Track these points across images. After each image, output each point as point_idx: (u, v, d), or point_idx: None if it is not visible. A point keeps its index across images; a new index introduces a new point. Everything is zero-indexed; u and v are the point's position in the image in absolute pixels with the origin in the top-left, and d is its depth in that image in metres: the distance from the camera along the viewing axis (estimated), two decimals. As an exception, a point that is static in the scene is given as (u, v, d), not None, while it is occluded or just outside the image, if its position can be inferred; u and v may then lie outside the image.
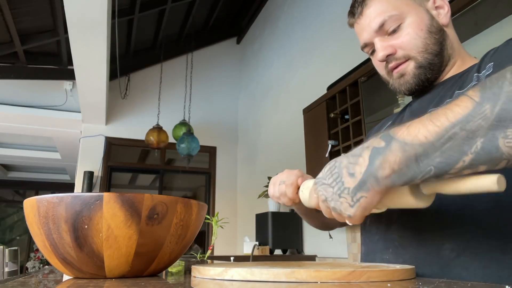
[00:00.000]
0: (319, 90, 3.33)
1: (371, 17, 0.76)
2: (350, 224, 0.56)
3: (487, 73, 0.65)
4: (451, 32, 0.78)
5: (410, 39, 0.74)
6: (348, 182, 0.52)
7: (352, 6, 0.81)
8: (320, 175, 0.58)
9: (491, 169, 0.46)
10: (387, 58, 0.76)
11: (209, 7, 5.15)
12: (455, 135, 0.45)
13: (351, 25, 0.84)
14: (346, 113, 2.81)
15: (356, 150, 0.54)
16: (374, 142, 0.52)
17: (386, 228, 0.73)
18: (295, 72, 4.07)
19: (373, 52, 0.80)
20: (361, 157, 0.52)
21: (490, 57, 0.67)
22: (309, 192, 0.63)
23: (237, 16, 5.71)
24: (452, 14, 1.89)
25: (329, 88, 3.13)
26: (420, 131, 0.48)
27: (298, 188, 0.72)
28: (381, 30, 0.76)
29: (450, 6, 0.79)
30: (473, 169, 0.46)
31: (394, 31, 0.75)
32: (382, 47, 0.76)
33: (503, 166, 0.45)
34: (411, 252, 0.67)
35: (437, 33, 0.75)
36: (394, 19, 0.74)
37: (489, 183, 0.46)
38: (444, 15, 0.77)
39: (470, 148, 0.44)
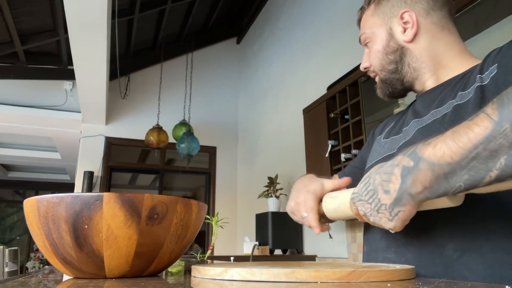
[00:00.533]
0: (319, 90, 3.33)
1: (361, 29, 0.88)
2: (392, 232, 0.60)
3: (491, 75, 0.65)
4: (417, 47, 0.80)
5: (374, 58, 0.84)
6: (384, 199, 0.57)
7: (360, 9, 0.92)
8: (356, 190, 0.62)
9: None
10: (365, 69, 0.87)
11: (209, 7, 5.15)
12: (478, 155, 0.48)
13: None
14: (346, 113, 2.81)
15: (387, 168, 0.58)
16: (403, 160, 0.56)
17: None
18: (295, 72, 4.07)
19: None
20: (393, 175, 0.56)
21: (493, 58, 0.67)
22: (349, 206, 0.66)
23: (237, 16, 5.71)
24: (452, 14, 1.89)
25: (329, 88, 3.13)
26: (445, 152, 0.51)
27: (320, 200, 0.76)
28: (363, 43, 0.87)
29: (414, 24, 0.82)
30: (501, 181, 0.49)
31: (367, 46, 0.86)
32: (364, 59, 0.87)
33: None
34: (414, 252, 0.68)
35: (393, 53, 0.81)
36: (365, 36, 0.85)
37: (446, 201, 0.53)
38: (408, 31, 0.80)
39: (495, 165, 0.47)
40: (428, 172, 0.52)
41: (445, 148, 0.51)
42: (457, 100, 0.70)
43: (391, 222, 0.57)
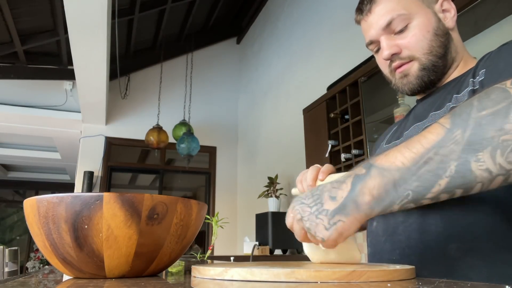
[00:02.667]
0: (319, 90, 3.33)
1: (379, 15, 0.76)
2: (322, 248, 0.55)
3: (480, 79, 0.66)
4: (456, 36, 0.79)
5: (417, 40, 0.74)
6: (328, 204, 0.53)
7: (361, 3, 0.81)
8: (301, 195, 0.58)
9: (467, 193, 0.48)
10: (392, 57, 0.77)
11: (209, 7, 5.15)
12: (429, 160, 0.47)
13: (358, 22, 0.84)
14: (346, 113, 2.81)
15: (341, 177, 0.55)
16: (356, 170, 0.54)
17: (393, 230, 0.74)
18: (295, 72, 4.07)
19: (378, 50, 0.81)
20: (345, 183, 0.54)
21: (484, 62, 0.68)
22: (287, 212, 0.62)
23: (237, 16, 5.71)
24: (452, 14, 1.89)
25: (329, 88, 3.13)
26: (397, 157, 0.50)
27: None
28: (388, 28, 0.76)
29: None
30: (450, 194, 0.48)
31: (401, 31, 0.75)
32: (388, 45, 0.76)
33: (478, 190, 0.47)
34: (418, 253, 0.68)
35: (443, 36, 0.76)
36: (402, 18, 0.75)
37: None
38: (450, 18, 0.78)
39: (445, 171, 0.47)
40: (378, 179, 0.51)
41: (397, 154, 0.50)
42: (453, 103, 0.70)
43: (326, 232, 0.52)
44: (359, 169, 0.53)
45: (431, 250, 0.66)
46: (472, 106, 0.47)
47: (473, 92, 0.66)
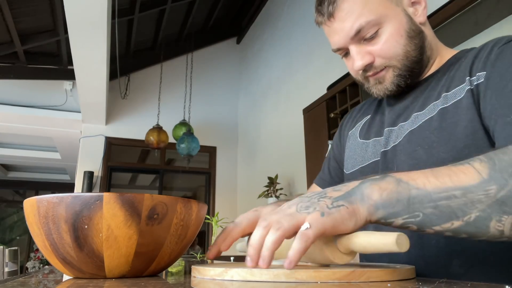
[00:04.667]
0: (319, 90, 3.33)
1: (345, 22, 0.69)
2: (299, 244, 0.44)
3: (478, 82, 0.63)
4: (428, 31, 0.74)
5: (390, 47, 0.69)
6: (331, 193, 0.49)
7: (320, 4, 0.73)
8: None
9: (468, 238, 0.48)
10: (365, 67, 0.71)
11: (209, 7, 5.15)
12: (453, 197, 0.46)
13: (319, 24, 0.75)
14: (346, 113, 2.81)
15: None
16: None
17: None
18: (295, 72, 4.07)
19: (346, 54, 0.75)
20: (352, 182, 0.51)
21: (483, 62, 0.64)
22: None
23: (237, 16, 5.71)
24: (452, 14, 1.90)
25: (329, 88, 3.13)
26: (420, 178, 0.48)
27: None
28: (357, 36, 0.69)
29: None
30: (454, 234, 0.47)
31: (371, 37, 0.69)
32: (359, 55, 0.70)
33: (479, 239, 0.47)
34: (419, 270, 0.65)
35: (417, 37, 0.70)
36: (372, 24, 0.68)
37: (390, 243, 0.45)
38: (421, 12, 0.72)
39: (464, 215, 0.45)
40: (392, 185, 0.48)
41: (420, 176, 0.48)
42: (442, 103, 0.66)
43: (321, 218, 0.45)
44: (369, 176, 0.50)
45: (433, 267, 0.64)
46: None
47: (471, 92, 0.63)
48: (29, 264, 7.54)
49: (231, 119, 5.61)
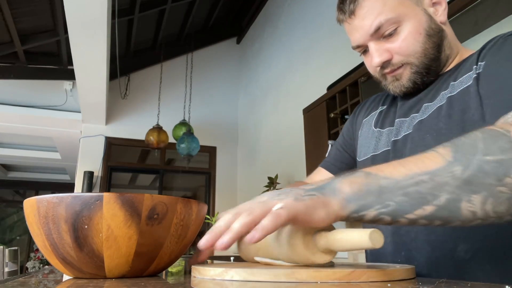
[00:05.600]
0: (319, 90, 3.33)
1: (365, 19, 0.71)
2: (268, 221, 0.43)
3: (479, 70, 0.64)
4: (449, 30, 0.75)
5: (408, 45, 0.70)
6: (303, 187, 0.49)
7: (342, 2, 0.75)
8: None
9: (441, 226, 0.48)
10: (383, 64, 0.73)
11: (209, 7, 5.15)
12: (421, 182, 0.46)
13: (340, 22, 0.78)
14: (346, 113, 2.81)
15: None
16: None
17: (395, 230, 0.72)
18: (295, 72, 4.07)
19: (365, 51, 0.77)
20: (322, 181, 0.51)
21: (486, 51, 0.66)
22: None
23: (237, 16, 5.71)
24: (452, 14, 1.90)
25: (329, 88, 3.13)
26: (388, 169, 0.49)
27: None
28: (377, 33, 0.71)
29: (450, 6, 0.78)
30: (428, 222, 0.47)
31: (390, 35, 0.71)
32: (378, 52, 0.72)
33: (455, 225, 0.47)
34: (425, 255, 0.66)
35: (436, 35, 0.71)
36: (391, 22, 0.69)
37: (364, 239, 0.44)
38: (441, 12, 0.73)
39: (434, 199, 0.46)
40: (362, 178, 0.48)
41: (387, 166, 0.49)
42: (450, 91, 0.68)
43: (294, 201, 0.45)
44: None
45: (439, 252, 0.65)
46: (477, 147, 0.46)
47: (476, 79, 0.64)
48: (29, 264, 7.53)
49: (231, 119, 5.61)
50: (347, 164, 0.94)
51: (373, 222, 0.49)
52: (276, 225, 0.43)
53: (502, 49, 0.63)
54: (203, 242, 0.45)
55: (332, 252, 0.51)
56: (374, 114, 0.88)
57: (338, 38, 3.30)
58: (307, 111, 3.30)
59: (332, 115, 2.90)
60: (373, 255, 0.80)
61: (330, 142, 2.86)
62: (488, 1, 1.82)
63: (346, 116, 2.82)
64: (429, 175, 0.46)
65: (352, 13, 0.73)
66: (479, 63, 0.65)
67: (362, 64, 2.72)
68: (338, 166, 0.96)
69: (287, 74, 4.25)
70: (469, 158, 0.46)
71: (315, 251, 0.51)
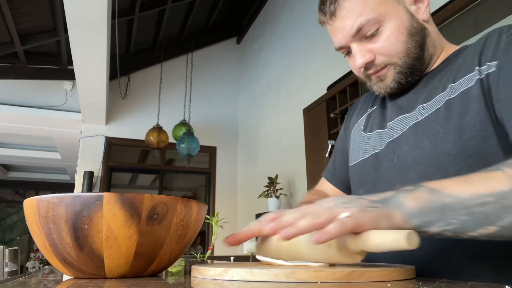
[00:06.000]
0: (319, 90, 3.33)
1: (346, 20, 0.70)
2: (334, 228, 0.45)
3: (489, 71, 0.62)
4: (432, 28, 0.74)
5: (390, 45, 0.69)
6: (368, 197, 0.51)
7: (322, 3, 0.74)
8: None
9: (504, 240, 0.50)
10: (366, 65, 0.72)
11: (209, 7, 5.15)
12: (487, 204, 0.47)
13: (322, 23, 0.77)
14: (346, 113, 2.81)
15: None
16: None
17: None
18: (295, 72, 4.07)
19: (348, 53, 0.76)
20: (386, 194, 0.52)
21: (493, 51, 0.63)
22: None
23: (237, 16, 5.71)
24: (452, 14, 1.90)
25: (329, 88, 3.13)
26: (453, 186, 0.49)
27: None
28: (358, 34, 0.70)
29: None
30: (491, 238, 0.49)
31: (372, 35, 0.70)
32: (360, 53, 0.71)
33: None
34: (421, 262, 0.66)
35: (418, 34, 0.71)
36: (372, 22, 0.69)
37: (400, 240, 0.44)
38: (424, 9, 0.72)
39: (498, 220, 0.46)
40: (426, 195, 0.49)
41: (452, 184, 0.49)
42: (448, 94, 0.66)
43: (361, 212, 0.47)
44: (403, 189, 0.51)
45: (435, 259, 0.65)
46: None
47: (481, 81, 0.62)
48: (29, 264, 7.53)
49: (231, 119, 5.61)
50: (345, 172, 0.93)
51: (435, 236, 0.50)
52: (342, 232, 0.45)
53: (511, 48, 0.61)
54: (268, 228, 0.48)
55: (363, 252, 0.51)
56: (363, 118, 0.87)
57: (338, 38, 3.30)
58: (307, 111, 3.30)
59: (332, 115, 2.90)
60: (369, 261, 0.80)
61: (330, 142, 2.86)
62: (488, 1, 1.82)
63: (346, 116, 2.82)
64: (496, 197, 0.47)
65: (332, 14, 0.72)
66: (487, 63, 0.63)
67: (362, 64, 2.72)
68: (337, 176, 0.96)
69: (287, 74, 4.25)
70: None
71: (344, 251, 0.51)
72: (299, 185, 3.69)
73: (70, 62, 4.31)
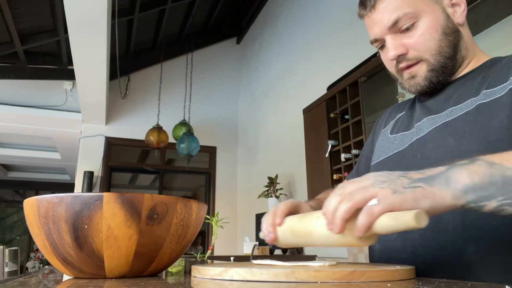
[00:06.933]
0: (319, 90, 3.33)
1: (384, 13, 0.72)
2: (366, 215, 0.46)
3: None
4: (466, 32, 0.75)
5: (424, 40, 0.71)
6: (413, 174, 0.49)
7: None
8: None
9: None
10: (398, 58, 0.74)
11: (209, 7, 5.15)
12: None
13: (361, 17, 0.79)
14: (346, 113, 2.81)
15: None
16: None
17: None
18: (295, 72, 4.07)
19: (382, 47, 0.78)
20: (436, 168, 0.50)
21: None
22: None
23: (237, 16, 5.71)
24: (452, 14, 1.89)
25: (329, 88, 3.13)
26: (508, 158, 0.48)
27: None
28: (394, 27, 0.72)
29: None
30: None
31: (407, 29, 0.72)
32: (393, 46, 0.73)
33: None
34: (432, 254, 0.65)
35: (452, 35, 0.72)
36: (409, 17, 0.71)
37: (408, 219, 0.44)
38: (460, 13, 0.74)
39: None
40: (484, 168, 0.47)
41: (507, 156, 0.48)
42: (481, 99, 0.67)
43: (392, 195, 0.46)
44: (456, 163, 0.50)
45: (446, 252, 0.64)
46: None
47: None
48: (29, 264, 7.53)
49: (231, 119, 5.61)
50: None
51: (491, 211, 0.48)
52: (371, 222, 0.46)
53: None
54: (326, 224, 0.50)
55: (374, 235, 0.50)
56: (392, 123, 0.88)
57: (338, 38, 3.30)
58: (307, 111, 3.30)
59: (332, 115, 2.90)
60: (380, 251, 0.79)
61: (330, 142, 2.86)
62: (488, 1, 1.82)
63: (346, 116, 2.82)
64: None
65: (373, 7, 0.74)
66: None
67: (362, 64, 2.72)
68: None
69: (287, 74, 4.25)
70: None
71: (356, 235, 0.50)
72: (299, 185, 3.69)
73: (70, 62, 4.31)
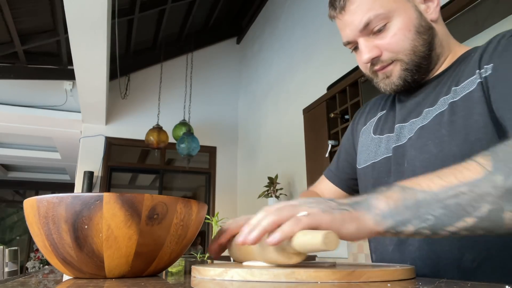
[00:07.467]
0: (319, 90, 3.33)
1: (355, 15, 0.70)
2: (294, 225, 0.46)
3: (486, 74, 0.63)
4: (440, 28, 0.73)
5: (397, 41, 0.69)
6: (338, 200, 0.51)
7: None
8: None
9: (487, 234, 0.47)
10: (373, 60, 0.72)
11: (209, 7, 5.15)
12: (461, 194, 0.46)
13: (332, 17, 0.77)
14: (346, 113, 2.81)
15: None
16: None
17: (401, 239, 0.71)
18: (295, 72, 4.07)
19: (356, 48, 0.76)
20: (357, 197, 0.51)
21: (490, 54, 0.64)
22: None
23: (237, 16, 5.71)
24: (452, 14, 1.90)
25: (329, 88, 3.13)
26: (424, 181, 0.48)
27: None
28: (366, 29, 0.70)
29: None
30: (470, 232, 0.47)
31: (379, 31, 0.70)
32: (367, 48, 0.71)
33: (498, 234, 0.47)
34: (430, 265, 0.65)
35: (426, 33, 0.70)
36: (381, 18, 0.69)
37: (317, 242, 0.44)
38: (433, 9, 0.72)
39: (475, 211, 0.45)
40: (398, 193, 0.48)
41: (423, 179, 0.49)
42: (452, 97, 0.66)
43: (321, 212, 0.47)
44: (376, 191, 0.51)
45: (444, 262, 0.64)
46: None
47: (481, 84, 0.63)
48: (29, 264, 7.53)
49: (231, 119, 5.61)
50: (348, 173, 0.93)
51: (412, 236, 0.49)
52: (294, 230, 0.45)
53: (508, 50, 0.61)
54: (241, 238, 0.49)
55: (301, 254, 0.50)
56: (373, 121, 0.87)
57: (338, 38, 3.30)
58: (307, 111, 3.30)
59: (332, 115, 2.90)
60: (377, 261, 0.79)
61: (330, 142, 2.86)
62: (488, 1, 1.82)
63: (346, 116, 2.82)
64: (469, 187, 0.45)
65: (342, 8, 0.72)
66: (485, 66, 0.63)
67: (362, 64, 2.72)
68: (339, 176, 0.96)
69: (287, 74, 4.25)
70: (510, 167, 0.45)
71: (281, 252, 0.50)
72: (299, 185, 3.69)
73: (70, 62, 4.31)
